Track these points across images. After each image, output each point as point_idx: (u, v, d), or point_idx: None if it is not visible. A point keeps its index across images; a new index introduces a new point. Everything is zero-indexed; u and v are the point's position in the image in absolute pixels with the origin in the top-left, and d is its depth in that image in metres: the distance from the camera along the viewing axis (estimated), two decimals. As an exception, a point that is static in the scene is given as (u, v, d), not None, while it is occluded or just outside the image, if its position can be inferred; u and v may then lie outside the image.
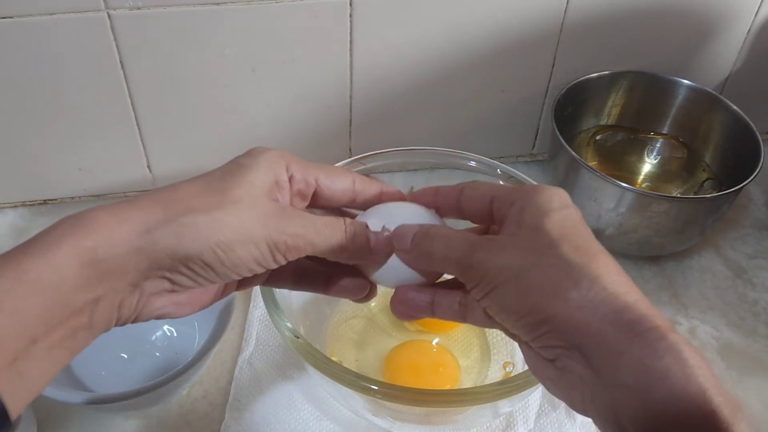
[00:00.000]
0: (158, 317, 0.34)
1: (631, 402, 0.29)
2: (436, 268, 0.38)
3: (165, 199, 0.32)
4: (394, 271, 0.38)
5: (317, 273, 0.40)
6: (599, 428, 0.31)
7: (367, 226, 0.38)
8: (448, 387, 0.55)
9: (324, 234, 0.36)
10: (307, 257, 0.36)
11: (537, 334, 0.32)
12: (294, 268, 0.40)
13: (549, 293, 0.31)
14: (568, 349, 0.31)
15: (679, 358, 0.29)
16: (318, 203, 0.39)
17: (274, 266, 0.35)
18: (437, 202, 0.40)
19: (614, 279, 0.31)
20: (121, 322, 0.33)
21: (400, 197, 0.41)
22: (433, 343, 0.59)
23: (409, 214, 0.39)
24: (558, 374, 0.32)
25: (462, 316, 0.37)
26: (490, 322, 0.35)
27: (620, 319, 0.30)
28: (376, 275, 0.39)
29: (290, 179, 0.37)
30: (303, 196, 0.38)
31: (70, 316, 0.30)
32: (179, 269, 0.32)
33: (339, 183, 0.39)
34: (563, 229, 0.33)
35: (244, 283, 0.38)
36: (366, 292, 0.41)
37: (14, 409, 0.28)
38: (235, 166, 0.35)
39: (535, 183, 0.53)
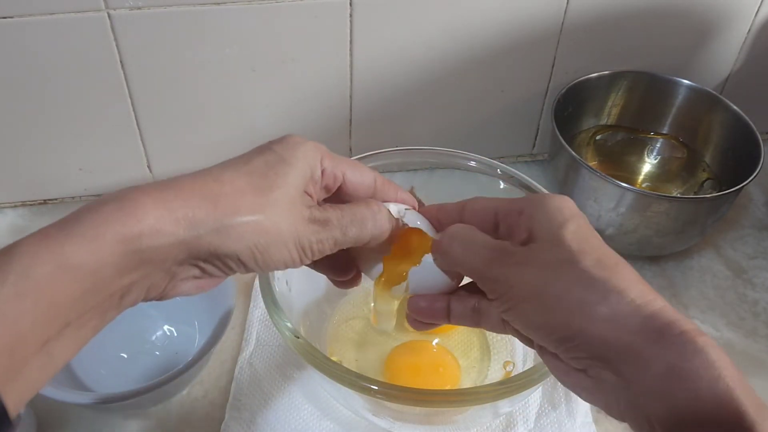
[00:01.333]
0: (178, 296, 0.35)
1: (659, 404, 0.30)
2: (457, 270, 0.39)
3: (213, 194, 0.33)
4: (412, 275, 0.39)
5: None
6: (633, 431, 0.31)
7: (391, 216, 0.39)
8: (448, 387, 0.55)
9: (350, 234, 0.37)
10: None
11: (565, 347, 0.33)
12: None
13: (575, 310, 0.32)
14: (597, 360, 0.32)
15: (706, 360, 0.29)
16: (339, 196, 0.40)
17: (300, 266, 0.36)
18: (440, 217, 0.41)
19: (640, 289, 0.32)
20: (146, 301, 0.34)
21: (413, 203, 0.41)
22: (433, 343, 0.59)
23: (413, 220, 0.40)
24: (591, 383, 0.32)
25: (476, 322, 0.38)
26: (504, 328, 0.36)
27: (649, 327, 0.30)
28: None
29: (322, 173, 0.38)
30: (328, 189, 0.39)
31: (103, 300, 0.31)
32: (214, 262, 0.33)
33: (363, 181, 0.40)
34: (580, 241, 0.33)
35: None
36: (350, 275, 0.42)
37: (37, 389, 0.29)
38: (276, 160, 0.35)
39: (542, 186, 0.54)
